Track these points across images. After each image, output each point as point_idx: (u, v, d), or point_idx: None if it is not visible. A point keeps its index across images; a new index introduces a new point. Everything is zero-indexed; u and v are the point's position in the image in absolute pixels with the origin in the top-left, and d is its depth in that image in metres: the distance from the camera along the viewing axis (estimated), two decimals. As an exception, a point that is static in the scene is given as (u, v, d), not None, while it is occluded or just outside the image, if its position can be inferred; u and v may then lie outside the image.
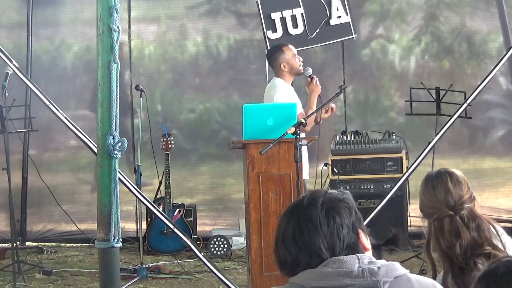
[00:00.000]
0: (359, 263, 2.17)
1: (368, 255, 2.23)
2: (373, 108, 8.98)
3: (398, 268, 2.21)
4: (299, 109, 6.38)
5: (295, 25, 7.03)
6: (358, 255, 2.19)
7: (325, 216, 2.20)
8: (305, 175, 6.45)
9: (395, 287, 2.17)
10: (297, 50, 7.25)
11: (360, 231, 2.25)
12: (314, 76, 6.51)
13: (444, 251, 3.00)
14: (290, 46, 6.64)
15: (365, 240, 2.26)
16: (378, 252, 2.67)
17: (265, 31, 7.00)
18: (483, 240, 2.98)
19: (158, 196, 8.23)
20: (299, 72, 6.55)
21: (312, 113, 5.96)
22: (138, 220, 8.03)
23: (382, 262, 2.21)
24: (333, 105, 6.62)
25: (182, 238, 5.79)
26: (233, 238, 8.20)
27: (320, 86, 6.50)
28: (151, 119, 8.23)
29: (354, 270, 2.15)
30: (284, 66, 6.50)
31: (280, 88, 6.41)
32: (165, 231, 7.94)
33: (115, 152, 3.91)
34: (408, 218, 7.69)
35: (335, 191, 2.29)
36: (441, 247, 3.01)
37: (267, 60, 6.82)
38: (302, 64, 6.56)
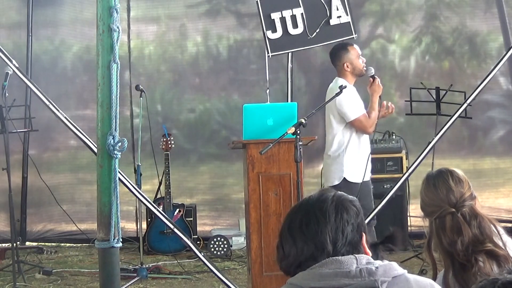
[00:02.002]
0: (357, 263, 2.19)
1: (367, 256, 2.24)
2: (373, 108, 8.97)
3: (396, 268, 2.23)
4: (363, 110, 6.35)
5: (295, 25, 7.01)
6: (356, 255, 2.21)
7: (334, 209, 2.24)
8: (367, 175, 6.41)
9: (393, 286, 2.18)
10: (297, 50, 7.26)
11: (363, 234, 2.28)
12: (376, 77, 6.40)
13: (446, 249, 3.02)
14: (355, 45, 6.55)
15: (366, 246, 2.29)
16: (375, 250, 2.69)
17: (265, 31, 6.99)
18: (484, 237, 3.00)
19: (158, 196, 8.23)
20: (362, 73, 6.43)
21: (312, 114, 5.94)
22: (138, 220, 8.03)
23: (380, 262, 2.23)
24: (391, 104, 6.56)
25: (182, 238, 5.79)
26: (233, 238, 8.20)
27: (382, 86, 6.42)
28: (151, 119, 8.23)
29: (352, 270, 2.17)
30: (347, 66, 6.39)
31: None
32: (165, 231, 7.94)
33: (115, 152, 3.91)
34: (408, 218, 7.69)
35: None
36: (442, 245, 3.03)
37: (330, 58, 6.62)
38: (365, 65, 6.45)
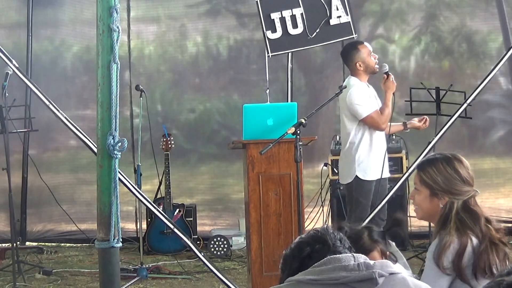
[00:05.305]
0: (354, 260, 2.26)
1: (364, 256, 2.28)
2: (373, 108, 8.96)
3: (392, 266, 2.29)
4: (375, 107, 6.37)
5: (295, 25, 7.01)
6: (354, 254, 2.28)
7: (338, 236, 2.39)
8: (385, 172, 6.43)
9: (390, 282, 2.22)
10: (297, 50, 7.26)
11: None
12: (390, 73, 6.40)
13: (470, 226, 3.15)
14: (365, 43, 6.57)
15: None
16: (383, 237, 2.83)
17: (265, 31, 6.99)
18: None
19: (158, 196, 8.23)
20: (375, 70, 6.43)
21: (312, 114, 5.93)
22: (138, 220, 8.03)
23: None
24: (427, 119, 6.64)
25: (182, 238, 5.79)
26: (233, 238, 8.20)
27: (396, 83, 6.41)
28: (151, 119, 8.23)
29: (350, 264, 2.24)
30: (360, 65, 6.38)
31: (354, 86, 6.32)
32: (165, 231, 7.95)
33: (115, 152, 3.90)
34: (408, 218, 7.68)
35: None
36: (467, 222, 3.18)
37: (342, 59, 6.66)
38: (378, 62, 6.45)
